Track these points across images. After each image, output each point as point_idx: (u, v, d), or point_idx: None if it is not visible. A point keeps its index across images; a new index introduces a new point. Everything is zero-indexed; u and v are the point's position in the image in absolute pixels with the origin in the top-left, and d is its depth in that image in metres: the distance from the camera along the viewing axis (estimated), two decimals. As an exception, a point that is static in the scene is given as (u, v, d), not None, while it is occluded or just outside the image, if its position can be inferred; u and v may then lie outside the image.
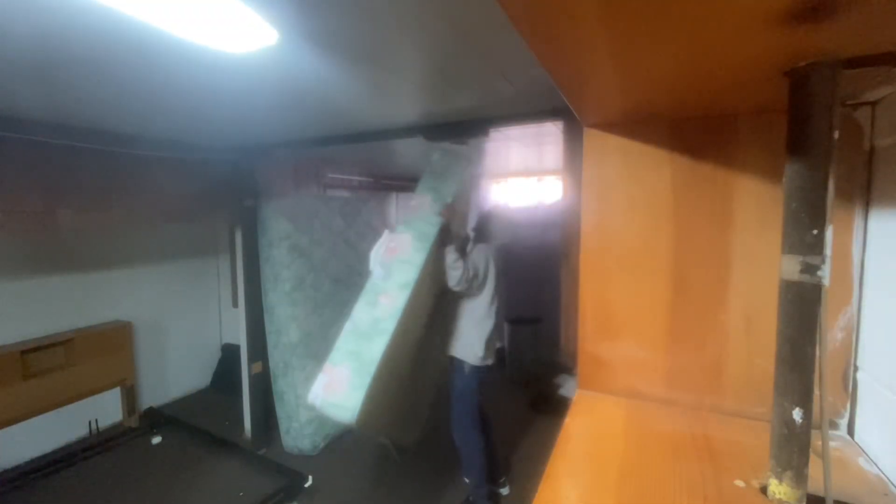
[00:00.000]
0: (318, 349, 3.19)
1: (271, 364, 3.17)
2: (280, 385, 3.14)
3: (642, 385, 1.29)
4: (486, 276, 2.46)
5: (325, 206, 3.43)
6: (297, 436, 3.14)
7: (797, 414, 0.78)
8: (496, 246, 2.63)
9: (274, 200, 3.13)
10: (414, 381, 2.52)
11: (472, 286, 2.41)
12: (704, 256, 1.20)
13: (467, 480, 2.59)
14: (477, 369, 2.46)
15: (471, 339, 2.46)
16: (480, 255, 2.46)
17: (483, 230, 2.66)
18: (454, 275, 2.28)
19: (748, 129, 1.12)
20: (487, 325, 2.49)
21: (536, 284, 4.87)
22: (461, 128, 2.29)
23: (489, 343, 2.49)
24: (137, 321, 3.73)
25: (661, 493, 0.87)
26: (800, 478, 0.79)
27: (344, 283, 3.46)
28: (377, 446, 3.30)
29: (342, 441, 3.35)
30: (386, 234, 2.23)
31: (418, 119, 2.26)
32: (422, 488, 2.83)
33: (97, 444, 3.31)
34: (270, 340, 3.16)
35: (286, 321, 3.06)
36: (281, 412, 3.17)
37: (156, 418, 3.69)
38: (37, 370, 2.99)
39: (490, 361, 2.53)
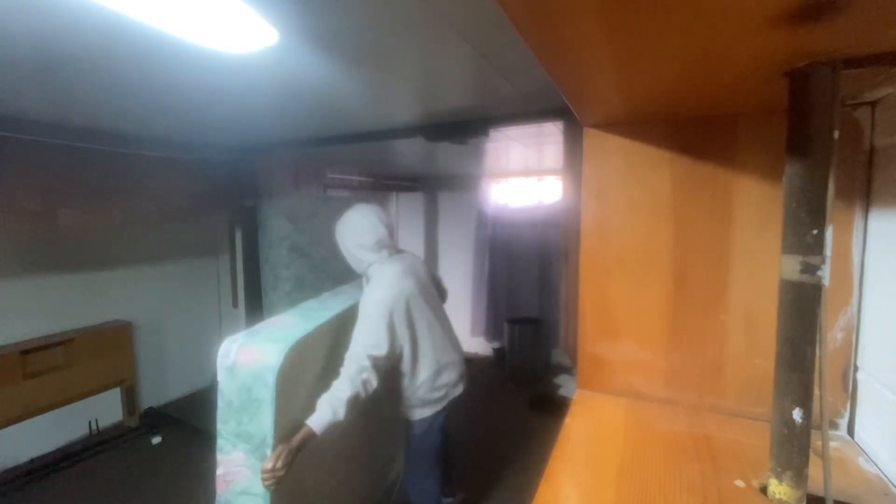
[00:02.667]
0: None
1: None
2: None
3: (642, 385, 1.29)
4: (401, 337, 1.71)
5: (325, 206, 3.43)
6: None
7: (797, 414, 0.78)
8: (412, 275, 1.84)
9: (274, 200, 3.13)
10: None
11: (391, 363, 1.70)
12: (704, 256, 1.20)
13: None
14: (424, 423, 1.87)
15: (406, 395, 1.84)
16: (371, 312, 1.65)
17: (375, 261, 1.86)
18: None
19: (748, 129, 1.12)
20: (424, 371, 1.81)
21: (537, 284, 4.87)
22: (461, 128, 2.29)
23: (429, 391, 1.83)
24: (137, 321, 3.73)
25: (661, 492, 0.87)
26: (800, 478, 0.79)
27: (344, 283, 3.45)
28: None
29: (342, 441, 3.35)
30: None
31: (418, 119, 2.26)
32: (422, 488, 2.83)
33: (97, 444, 3.31)
34: None
35: None
36: None
37: (156, 418, 3.69)
38: (37, 370, 2.99)
39: (439, 407, 1.87)
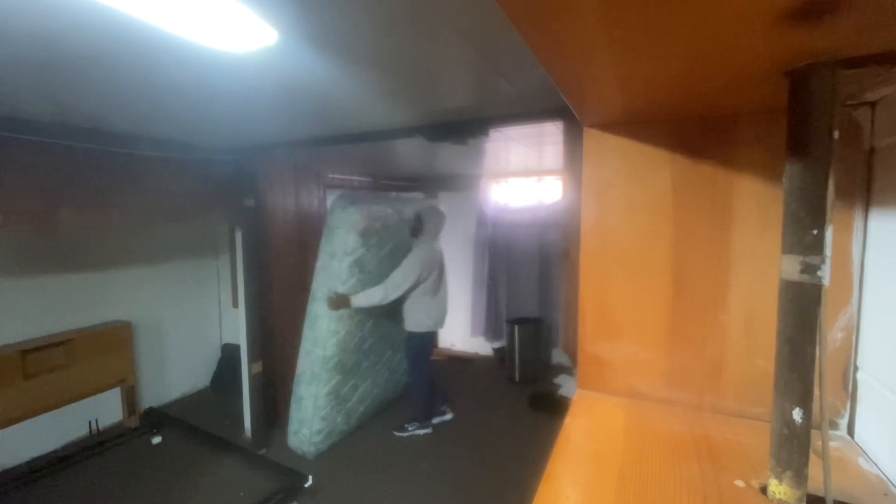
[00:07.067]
0: (347, 364, 3.19)
1: (298, 366, 3.14)
2: (302, 390, 3.12)
3: (642, 385, 1.29)
4: (425, 276, 3.17)
5: (396, 224, 3.36)
6: (304, 440, 3.14)
7: (797, 414, 0.78)
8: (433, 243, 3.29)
9: (348, 210, 3.03)
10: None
11: (411, 291, 3.15)
12: (704, 256, 1.20)
13: (412, 409, 3.50)
14: (421, 336, 3.31)
15: (413, 315, 3.25)
16: (408, 267, 3.10)
17: (420, 228, 3.26)
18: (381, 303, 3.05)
19: (748, 129, 1.12)
20: (426, 302, 3.26)
21: (536, 284, 4.87)
22: (461, 128, 2.29)
23: (428, 316, 3.29)
24: (137, 321, 3.74)
25: (661, 492, 0.87)
26: (800, 478, 0.79)
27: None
28: (376, 446, 3.30)
29: (343, 442, 3.35)
30: None
31: (418, 119, 2.26)
32: (423, 488, 2.83)
33: (97, 444, 3.31)
34: (304, 346, 3.12)
35: (327, 335, 3.01)
36: (295, 414, 3.16)
37: (156, 418, 3.70)
38: (37, 370, 2.99)
39: (432, 329, 3.36)
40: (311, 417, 3.09)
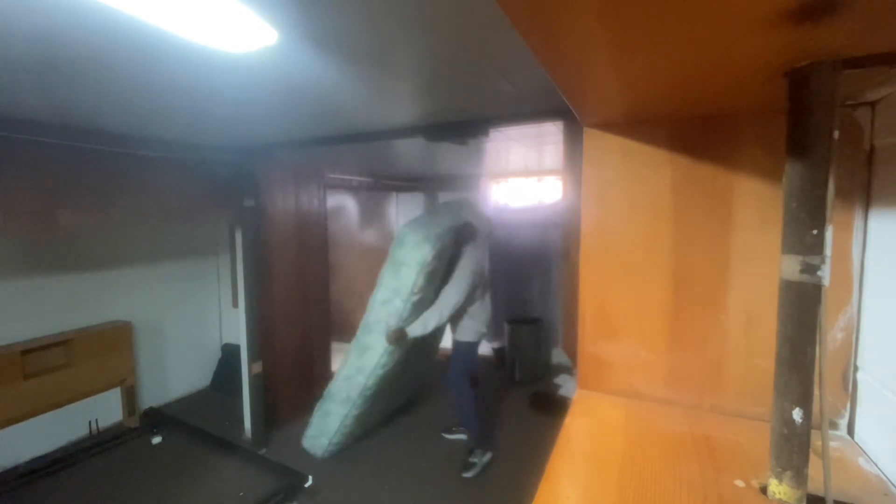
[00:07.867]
0: (383, 392, 3.17)
1: (334, 384, 3.09)
2: (332, 406, 3.10)
3: (642, 385, 1.29)
4: (477, 284, 3.02)
5: (454, 236, 3.14)
6: (318, 446, 3.15)
7: (797, 414, 0.78)
8: (479, 243, 3.15)
9: (421, 248, 2.84)
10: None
11: (467, 305, 3.00)
12: (704, 256, 1.20)
13: (463, 430, 3.33)
14: (471, 345, 3.11)
15: (467, 325, 3.08)
16: (460, 281, 2.94)
17: (470, 235, 3.14)
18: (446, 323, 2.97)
19: (748, 129, 1.12)
20: (476, 307, 3.07)
21: (537, 284, 4.87)
22: (461, 128, 2.29)
23: (483, 322, 3.11)
24: (137, 321, 3.74)
25: (661, 492, 0.87)
26: (800, 478, 0.79)
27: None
28: (377, 447, 3.30)
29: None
30: None
31: (418, 119, 2.26)
32: (423, 488, 2.83)
33: (97, 444, 3.31)
34: (346, 370, 3.03)
35: (374, 368, 2.94)
36: (318, 422, 3.16)
37: (156, 418, 3.70)
38: (37, 370, 2.99)
39: (477, 339, 3.12)
40: (334, 432, 3.10)
